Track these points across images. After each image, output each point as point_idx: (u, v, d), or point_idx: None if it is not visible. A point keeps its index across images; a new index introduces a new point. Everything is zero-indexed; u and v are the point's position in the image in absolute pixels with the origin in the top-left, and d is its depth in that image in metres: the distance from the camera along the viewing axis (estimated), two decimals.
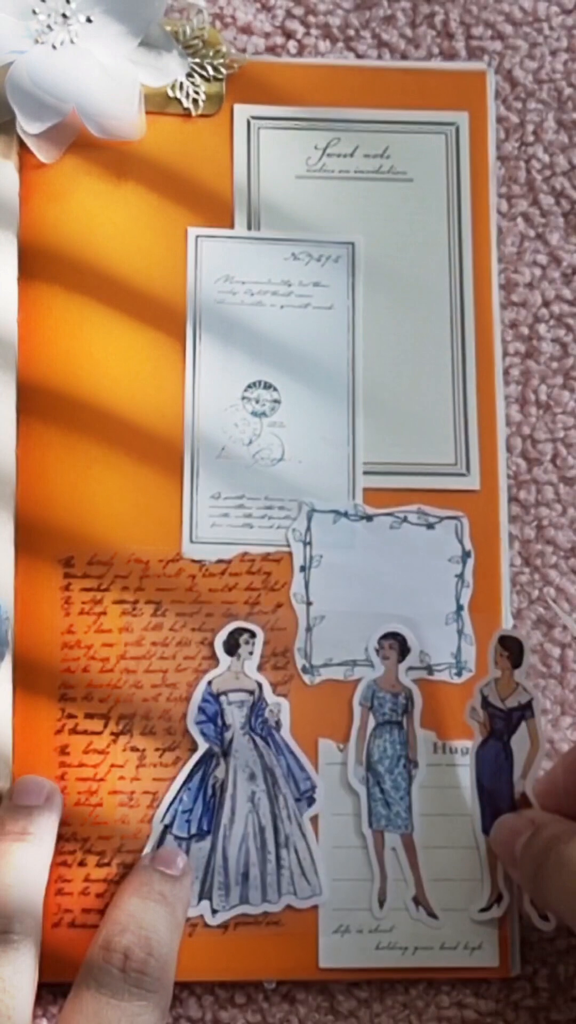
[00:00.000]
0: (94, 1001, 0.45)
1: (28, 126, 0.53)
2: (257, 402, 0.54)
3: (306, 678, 0.52)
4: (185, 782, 0.51)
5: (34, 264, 0.54)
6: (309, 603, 0.53)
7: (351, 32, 0.58)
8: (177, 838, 0.51)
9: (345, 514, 0.53)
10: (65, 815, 0.51)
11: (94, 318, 0.54)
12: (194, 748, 0.51)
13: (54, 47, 0.53)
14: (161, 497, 0.53)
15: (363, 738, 0.52)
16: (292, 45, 0.57)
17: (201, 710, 0.51)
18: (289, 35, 0.58)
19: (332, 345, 0.54)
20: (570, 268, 0.57)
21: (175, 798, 0.51)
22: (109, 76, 0.53)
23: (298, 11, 0.58)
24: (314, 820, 0.51)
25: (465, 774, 0.52)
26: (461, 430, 0.54)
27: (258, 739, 0.52)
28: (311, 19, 0.58)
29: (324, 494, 0.54)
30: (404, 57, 0.58)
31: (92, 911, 0.50)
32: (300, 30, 0.57)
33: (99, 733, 0.51)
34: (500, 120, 0.57)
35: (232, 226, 0.55)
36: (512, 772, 0.50)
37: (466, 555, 0.53)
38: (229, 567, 0.53)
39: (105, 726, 0.51)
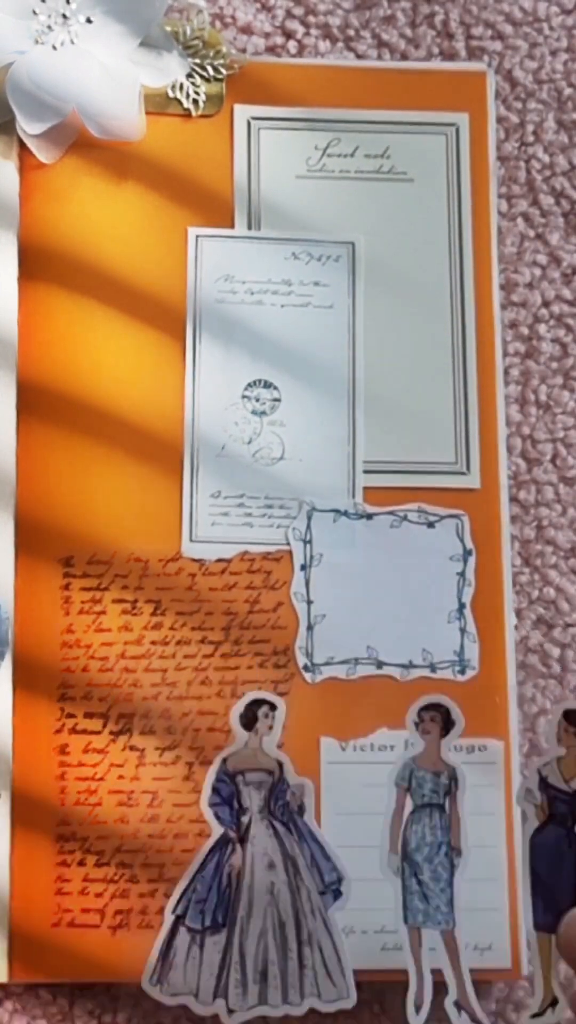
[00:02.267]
0: None
1: (28, 126, 0.53)
2: (257, 401, 0.54)
3: (307, 676, 0.52)
4: (199, 870, 0.47)
5: (34, 264, 0.54)
6: (310, 602, 0.53)
7: (351, 32, 0.58)
8: (190, 930, 0.47)
9: (345, 513, 0.53)
10: (65, 815, 0.51)
11: (94, 318, 0.54)
12: (207, 831, 0.48)
13: (54, 47, 0.53)
14: (161, 496, 0.53)
15: (399, 823, 0.47)
16: (292, 45, 0.57)
17: (215, 791, 0.47)
18: (289, 35, 0.58)
19: (332, 344, 0.54)
20: (570, 268, 0.57)
21: (188, 887, 0.47)
22: (109, 76, 0.53)
23: (298, 11, 0.58)
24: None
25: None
26: (462, 428, 0.54)
27: (278, 824, 0.48)
28: (311, 19, 0.58)
29: (324, 493, 0.53)
30: (404, 57, 0.58)
31: (91, 911, 0.50)
32: (300, 30, 0.58)
33: (98, 733, 0.51)
34: (500, 120, 0.57)
35: (232, 226, 0.55)
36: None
37: (467, 553, 0.53)
38: (229, 566, 0.53)
39: (104, 725, 0.51)
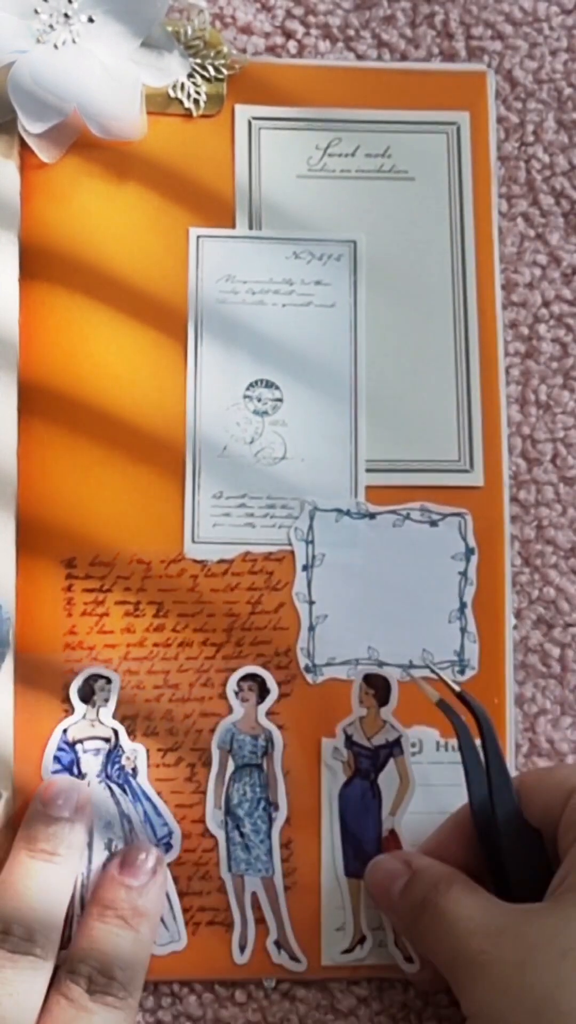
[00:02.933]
0: (63, 1013, 0.46)
1: (30, 126, 0.53)
2: (259, 401, 0.54)
3: (308, 677, 0.52)
4: None
5: (35, 264, 0.54)
6: (311, 602, 0.53)
7: (351, 32, 0.58)
8: None
9: (348, 512, 0.53)
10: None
11: (95, 318, 0.54)
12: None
13: (56, 47, 0.53)
14: (163, 497, 0.53)
15: (222, 782, 0.51)
16: (292, 45, 0.57)
17: (56, 759, 0.51)
18: (289, 35, 0.58)
19: (334, 344, 0.54)
20: (570, 268, 0.57)
21: None
22: (111, 76, 0.53)
23: (298, 11, 0.58)
24: (173, 865, 0.51)
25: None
26: (464, 426, 0.54)
27: (114, 786, 0.51)
28: (311, 19, 0.58)
29: (326, 492, 0.53)
30: (404, 57, 0.58)
31: None
32: (300, 30, 0.58)
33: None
34: (500, 120, 0.57)
35: (233, 226, 0.55)
36: (380, 811, 0.51)
37: (469, 552, 0.53)
38: (231, 567, 0.53)
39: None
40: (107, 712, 0.51)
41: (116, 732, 0.51)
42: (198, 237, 0.55)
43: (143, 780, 0.51)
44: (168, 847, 0.51)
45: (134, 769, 0.51)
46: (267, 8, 0.58)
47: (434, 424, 0.54)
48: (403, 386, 0.54)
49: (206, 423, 0.54)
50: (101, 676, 0.51)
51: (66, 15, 0.53)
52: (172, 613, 0.52)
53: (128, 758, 0.51)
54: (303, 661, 0.52)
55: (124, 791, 0.51)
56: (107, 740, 0.51)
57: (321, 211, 0.55)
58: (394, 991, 0.51)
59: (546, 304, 0.57)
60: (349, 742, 0.51)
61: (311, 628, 0.52)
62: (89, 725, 0.51)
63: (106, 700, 0.51)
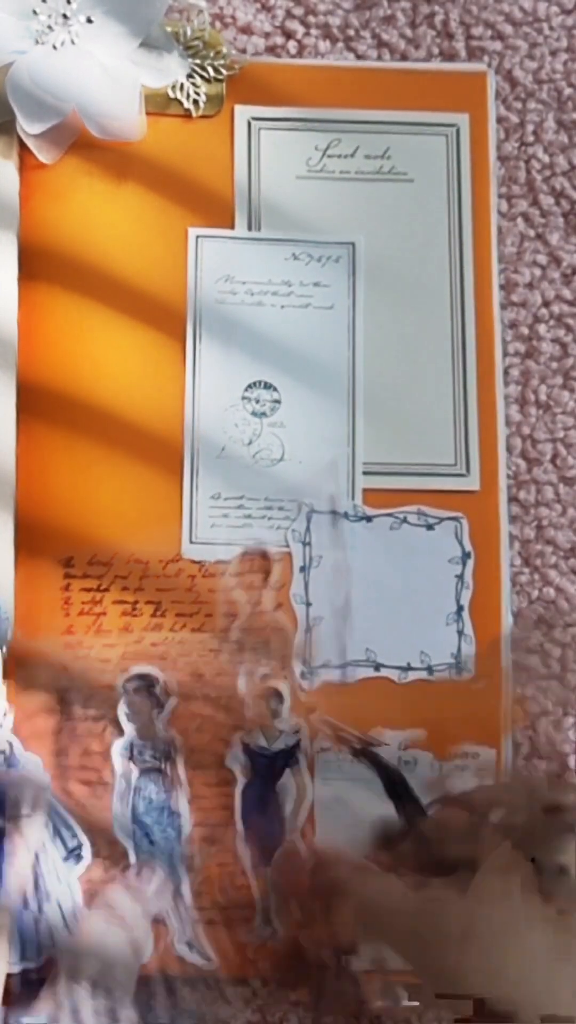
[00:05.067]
0: None
1: (28, 126, 0.53)
2: (257, 402, 0.54)
3: (305, 679, 0.52)
4: None
5: (34, 264, 0.54)
6: (308, 604, 0.53)
7: (351, 32, 0.58)
8: None
9: (345, 515, 0.53)
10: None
11: (94, 318, 0.54)
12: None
13: (55, 47, 0.53)
14: (161, 497, 0.53)
15: (128, 790, 0.51)
16: (292, 45, 0.57)
17: None
18: (289, 35, 0.57)
19: (332, 345, 0.54)
20: (570, 268, 0.57)
21: None
22: (110, 77, 0.53)
23: (298, 11, 0.58)
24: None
25: None
26: (461, 430, 0.54)
27: None
28: (311, 19, 0.58)
29: (324, 495, 0.53)
30: (404, 57, 0.58)
31: None
32: (300, 30, 0.57)
33: (99, 735, 0.51)
34: (500, 120, 0.57)
35: (232, 226, 0.55)
36: (281, 811, 0.51)
37: (466, 556, 0.53)
38: (229, 567, 0.53)
39: (104, 729, 0.51)
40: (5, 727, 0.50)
41: (11, 744, 0.50)
42: (197, 237, 0.55)
43: (48, 794, 0.50)
44: (78, 858, 0.50)
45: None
46: (267, 8, 0.58)
47: (431, 427, 0.54)
48: (401, 389, 0.54)
49: (204, 424, 0.54)
50: None
51: (65, 16, 0.53)
52: (170, 613, 0.52)
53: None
54: (299, 663, 0.52)
55: None
56: (3, 753, 0.50)
57: (320, 212, 0.55)
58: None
59: (546, 304, 0.57)
60: (246, 749, 0.51)
61: (308, 630, 0.52)
62: None
63: (4, 714, 0.50)
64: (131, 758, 0.51)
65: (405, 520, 0.54)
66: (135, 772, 0.51)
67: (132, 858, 0.50)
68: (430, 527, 0.54)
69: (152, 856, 0.50)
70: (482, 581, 0.53)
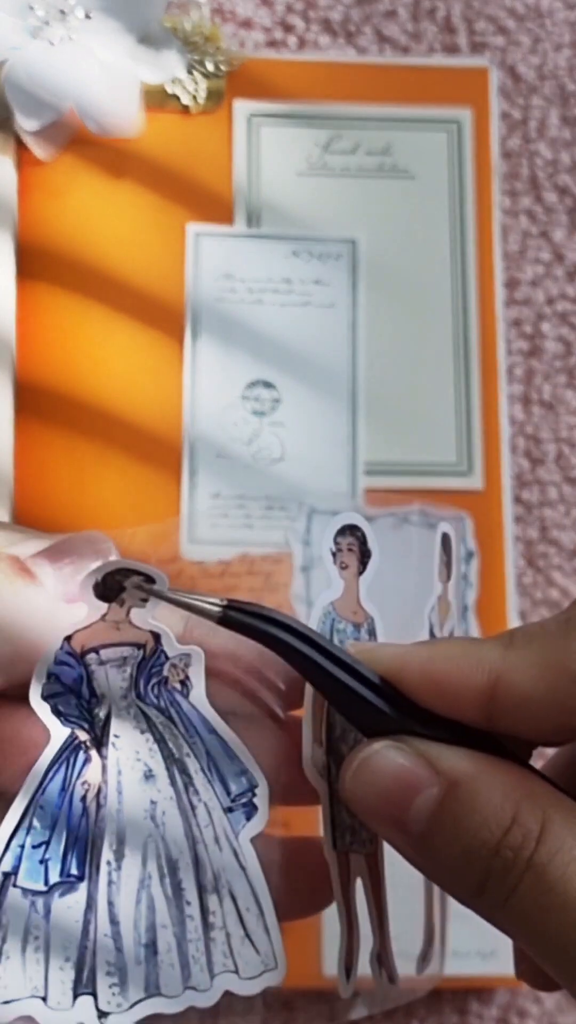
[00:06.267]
0: None
1: (25, 123, 0.52)
2: (257, 401, 0.54)
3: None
4: (33, 797, 0.29)
5: (32, 262, 0.54)
6: (310, 603, 0.52)
7: (352, 27, 0.57)
8: (29, 892, 0.29)
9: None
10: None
11: (92, 316, 0.53)
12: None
13: (52, 43, 0.52)
14: (160, 497, 0.53)
15: (322, 704, 0.31)
16: (292, 40, 0.57)
17: (52, 677, 0.30)
18: (289, 29, 0.57)
19: (333, 344, 0.54)
20: (574, 265, 0.57)
21: (18, 825, 0.29)
22: (108, 73, 0.52)
23: (299, 6, 0.57)
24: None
25: None
26: (464, 429, 0.54)
27: (154, 714, 0.31)
28: (312, 14, 0.57)
29: (324, 494, 0.53)
30: (406, 52, 0.57)
31: None
32: (300, 25, 0.57)
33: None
34: (503, 116, 0.57)
35: (232, 223, 0.55)
36: None
37: (469, 556, 0.53)
38: (229, 568, 0.52)
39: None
40: (145, 613, 0.30)
41: (158, 635, 0.30)
42: (196, 234, 0.54)
43: (200, 700, 0.30)
44: (250, 810, 0.30)
45: (184, 681, 0.31)
46: (268, 2, 0.57)
47: (433, 426, 0.54)
48: (402, 387, 0.54)
49: (204, 423, 0.53)
50: (140, 573, 0.30)
51: (62, 11, 0.52)
52: None
53: (174, 666, 0.30)
54: None
55: (171, 720, 0.31)
56: (140, 647, 0.30)
57: (321, 209, 0.55)
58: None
59: (550, 302, 0.56)
60: None
61: None
62: (112, 628, 0.30)
63: (144, 601, 0.30)
64: None
65: (407, 520, 0.53)
66: None
67: (325, 812, 0.31)
68: (433, 527, 0.53)
69: (348, 814, 0.31)
70: (486, 581, 0.53)
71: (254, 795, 0.30)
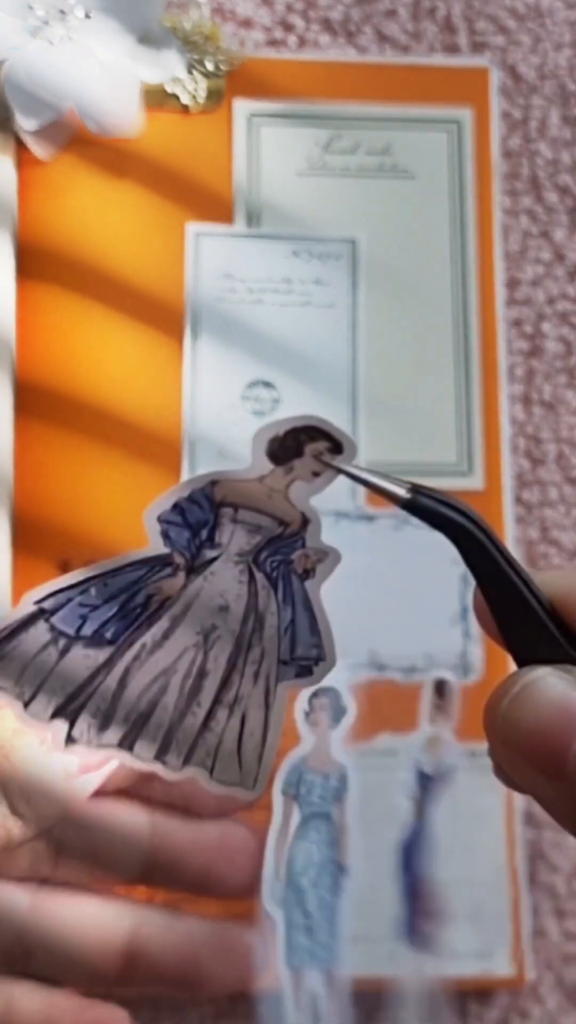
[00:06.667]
0: None
1: (25, 123, 0.52)
2: (257, 401, 0.53)
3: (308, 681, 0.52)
4: (102, 573, 0.32)
5: (32, 262, 0.53)
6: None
7: (352, 27, 0.57)
8: (57, 631, 0.31)
9: (347, 515, 0.53)
10: None
11: (92, 316, 0.53)
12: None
13: (51, 43, 0.52)
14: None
15: (284, 841, 0.36)
16: (292, 39, 0.57)
17: (178, 508, 0.31)
18: (289, 29, 0.57)
19: (333, 344, 0.54)
20: (574, 265, 0.56)
21: (74, 585, 0.32)
22: (107, 73, 0.52)
23: (299, 5, 0.57)
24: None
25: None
26: (464, 429, 0.54)
27: (260, 576, 0.32)
28: (312, 13, 0.57)
29: (325, 494, 0.53)
30: (406, 52, 0.57)
31: None
32: (301, 24, 0.57)
33: None
34: (504, 116, 0.57)
35: (232, 223, 0.55)
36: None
37: None
38: None
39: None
40: (307, 492, 0.32)
41: (306, 521, 0.31)
42: (196, 234, 0.54)
43: (314, 589, 0.33)
44: (304, 672, 0.32)
45: (310, 570, 0.33)
46: (267, 2, 0.57)
47: (434, 426, 0.54)
48: (403, 388, 0.54)
49: (203, 423, 0.53)
50: (331, 437, 0.31)
51: (62, 11, 0.52)
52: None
53: (307, 556, 0.32)
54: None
55: (275, 588, 0.32)
56: (284, 524, 0.32)
57: (321, 209, 0.55)
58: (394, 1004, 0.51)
59: (550, 302, 0.56)
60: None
61: None
62: (263, 493, 0.32)
63: (314, 475, 0.32)
64: (296, 797, 0.39)
65: (408, 520, 0.53)
66: (296, 816, 0.38)
67: (280, 935, 0.36)
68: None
69: (305, 935, 0.36)
70: None
71: (316, 664, 0.32)
